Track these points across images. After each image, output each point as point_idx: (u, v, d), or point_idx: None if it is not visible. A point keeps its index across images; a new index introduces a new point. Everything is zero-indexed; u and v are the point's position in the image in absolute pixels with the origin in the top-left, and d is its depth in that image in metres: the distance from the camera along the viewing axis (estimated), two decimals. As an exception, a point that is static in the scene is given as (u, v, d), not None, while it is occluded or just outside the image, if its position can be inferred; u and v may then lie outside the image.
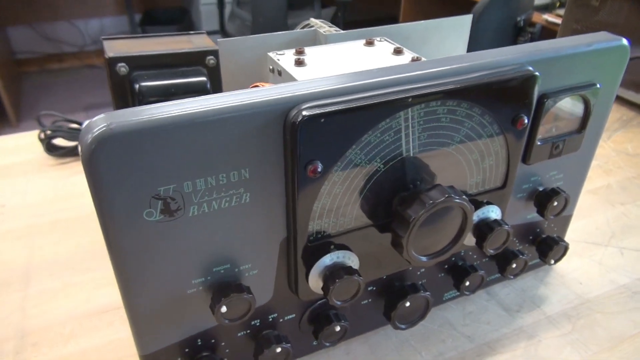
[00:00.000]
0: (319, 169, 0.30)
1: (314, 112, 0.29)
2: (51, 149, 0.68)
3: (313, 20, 0.55)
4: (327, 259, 0.35)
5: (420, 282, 0.42)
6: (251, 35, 0.46)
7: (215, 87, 0.48)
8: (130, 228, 0.28)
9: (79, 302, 0.47)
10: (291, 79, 0.38)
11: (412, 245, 0.34)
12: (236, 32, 2.32)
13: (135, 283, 0.31)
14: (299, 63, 0.39)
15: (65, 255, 0.53)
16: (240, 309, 0.33)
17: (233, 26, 2.37)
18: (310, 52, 0.42)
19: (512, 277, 0.45)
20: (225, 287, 0.33)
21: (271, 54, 0.41)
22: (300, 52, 0.41)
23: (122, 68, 0.45)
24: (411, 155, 0.34)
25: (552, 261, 0.48)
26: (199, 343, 0.36)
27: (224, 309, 0.32)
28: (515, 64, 0.35)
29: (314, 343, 0.41)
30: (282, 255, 0.35)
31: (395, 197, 0.35)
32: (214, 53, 0.48)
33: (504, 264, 0.45)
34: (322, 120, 0.29)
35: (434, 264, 0.39)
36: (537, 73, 0.35)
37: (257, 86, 0.34)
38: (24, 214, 0.59)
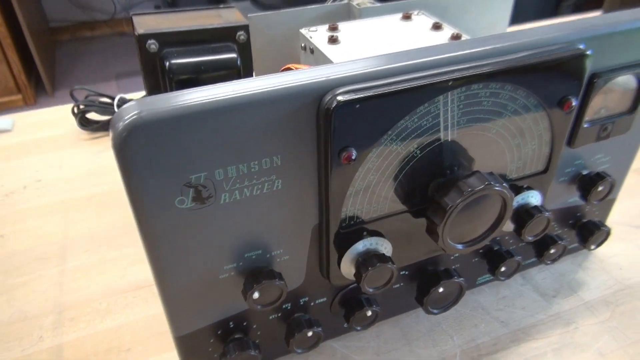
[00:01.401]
0: (353, 156, 0.29)
1: (349, 98, 0.27)
2: (84, 124, 0.69)
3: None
4: (360, 246, 0.34)
5: (453, 267, 0.41)
6: (282, 10, 0.45)
7: (246, 63, 0.47)
8: (162, 215, 0.28)
9: (114, 278, 0.48)
10: (324, 57, 0.37)
11: (447, 233, 0.33)
12: (269, 1, 2.28)
13: (167, 269, 0.31)
14: (333, 40, 0.38)
15: (100, 231, 0.54)
16: (272, 294, 0.33)
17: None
18: (344, 28, 0.40)
19: (549, 262, 0.44)
20: (257, 273, 0.32)
21: (303, 31, 0.40)
22: (333, 29, 0.40)
23: (152, 45, 0.44)
24: (449, 140, 0.32)
25: (593, 246, 0.46)
26: (231, 326, 0.36)
27: (256, 295, 0.32)
28: (565, 42, 0.33)
29: (345, 326, 0.41)
30: (314, 241, 0.34)
31: (431, 183, 0.33)
32: (245, 28, 0.46)
33: (541, 249, 0.43)
34: (358, 105, 0.28)
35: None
36: (589, 52, 0.32)
37: (289, 69, 0.33)
38: (59, 188, 0.60)
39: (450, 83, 0.29)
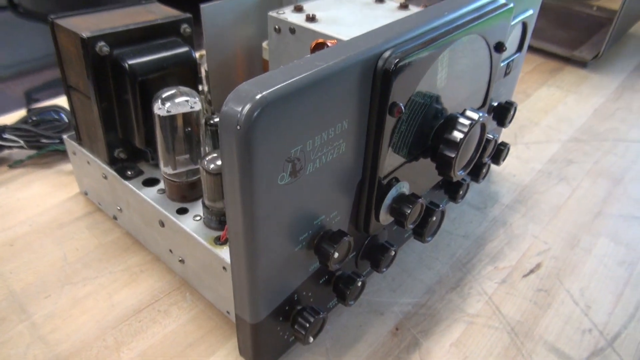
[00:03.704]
0: (403, 109, 0.34)
1: (405, 59, 0.32)
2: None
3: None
4: (394, 191, 0.39)
5: (437, 201, 0.48)
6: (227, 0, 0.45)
7: (192, 56, 0.46)
8: (266, 194, 0.29)
9: (102, 312, 0.43)
10: (312, 33, 0.40)
11: (458, 162, 0.40)
12: (34, 5, 2.01)
13: (260, 249, 0.31)
14: (311, 19, 0.41)
15: (50, 272, 0.46)
16: (344, 251, 0.36)
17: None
18: (308, 8, 0.43)
19: (482, 180, 0.55)
20: (328, 236, 0.35)
21: (273, 14, 0.42)
22: (299, 9, 0.43)
23: (104, 47, 0.40)
24: (442, 87, 0.39)
25: (502, 162, 0.59)
26: (295, 299, 0.37)
27: (336, 254, 0.35)
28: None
29: (367, 271, 0.45)
30: (355, 197, 0.38)
31: (433, 126, 0.40)
32: (188, 21, 0.45)
33: (477, 171, 0.54)
34: (408, 65, 0.32)
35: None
36: (512, 4, 0.43)
37: (322, 43, 0.36)
38: (-42, 243, 0.49)
39: (453, 36, 0.36)
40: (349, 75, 0.30)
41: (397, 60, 0.32)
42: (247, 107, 0.25)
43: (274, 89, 0.26)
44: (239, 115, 0.25)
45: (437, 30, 0.36)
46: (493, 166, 0.63)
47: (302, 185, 0.31)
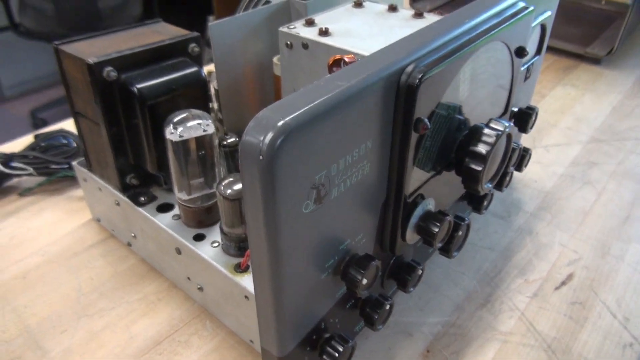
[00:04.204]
0: (429, 126, 0.32)
1: (430, 72, 0.30)
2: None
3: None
4: (420, 209, 0.37)
5: (461, 213, 0.46)
6: (235, 16, 0.44)
7: (202, 76, 0.45)
8: (291, 224, 0.27)
9: (121, 345, 0.41)
10: (326, 48, 0.38)
11: (486, 175, 0.38)
12: (35, 25, 2.01)
13: (286, 280, 0.29)
14: (324, 33, 0.39)
15: (65, 305, 0.45)
16: (372, 276, 0.34)
17: (28, 19, 2.04)
18: (320, 21, 0.42)
19: (505, 188, 0.53)
20: (355, 262, 0.33)
21: (284, 29, 0.40)
22: (311, 23, 0.41)
23: (112, 72, 0.39)
24: (465, 98, 0.37)
25: (524, 168, 0.57)
26: (322, 327, 0.36)
27: (365, 281, 0.33)
28: (512, 3, 0.40)
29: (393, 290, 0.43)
30: (380, 217, 0.36)
31: (456, 139, 0.38)
32: (196, 39, 0.44)
33: (500, 180, 0.52)
34: (433, 78, 0.31)
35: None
36: (532, 7, 0.41)
37: (340, 59, 0.34)
38: (-30, 278, 0.48)
39: (476, 44, 0.34)
40: (372, 93, 0.29)
41: (421, 74, 0.30)
42: (269, 135, 0.24)
43: (296, 114, 0.25)
44: (261, 144, 0.24)
45: (459, 39, 0.34)
46: (515, 172, 0.61)
47: (327, 211, 0.30)
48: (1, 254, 0.51)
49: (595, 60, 0.92)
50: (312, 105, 0.25)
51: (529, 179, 0.62)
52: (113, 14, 2.09)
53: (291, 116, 0.24)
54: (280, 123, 0.24)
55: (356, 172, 0.30)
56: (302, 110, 0.25)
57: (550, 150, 0.67)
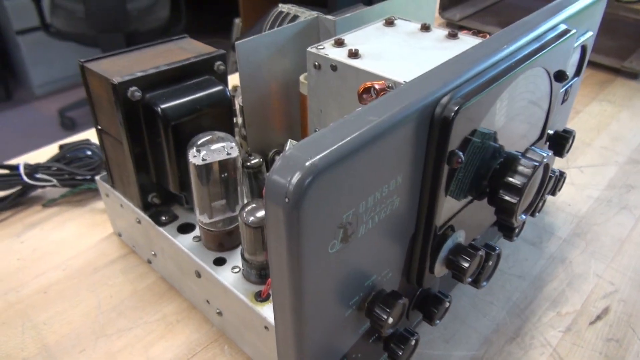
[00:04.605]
0: (462, 159, 0.30)
1: (467, 104, 0.28)
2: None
3: (283, 6, 0.53)
4: (450, 242, 0.35)
5: (490, 241, 0.44)
6: (262, 34, 0.43)
7: (227, 94, 0.44)
8: (316, 265, 0.26)
9: (138, 368, 0.41)
10: (356, 71, 0.37)
11: (521, 207, 0.36)
12: (66, 26, 2.05)
13: (309, 319, 0.28)
14: (354, 55, 0.38)
15: (84, 323, 0.45)
16: (398, 314, 0.32)
17: (59, 20, 2.08)
18: (349, 41, 0.40)
19: (537, 214, 0.51)
20: (381, 300, 0.32)
21: (313, 50, 0.39)
22: (340, 43, 0.40)
23: (136, 92, 0.38)
24: (501, 125, 0.35)
25: (558, 192, 0.54)
26: (345, 363, 0.34)
27: (390, 320, 0.31)
28: (552, 26, 0.38)
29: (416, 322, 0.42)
30: (408, 251, 0.34)
31: (490, 167, 0.36)
32: (222, 57, 0.43)
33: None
34: (470, 108, 0.29)
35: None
36: (574, 30, 0.39)
37: (370, 86, 0.33)
38: (-8, 291, 0.48)
39: (515, 72, 0.32)
40: (405, 126, 0.27)
41: (457, 106, 0.28)
42: (296, 176, 0.22)
43: (324, 153, 0.23)
44: (287, 185, 0.23)
45: (498, 66, 0.32)
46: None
47: (354, 249, 0.28)
48: (24, 266, 0.51)
49: (633, 75, 0.88)
50: (341, 143, 0.24)
51: (562, 201, 0.59)
52: (141, 15, 2.11)
53: (319, 156, 0.23)
54: (307, 163, 0.23)
55: (385, 207, 0.29)
56: (331, 149, 0.24)
57: (585, 172, 0.64)
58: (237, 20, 2.11)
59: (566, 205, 0.59)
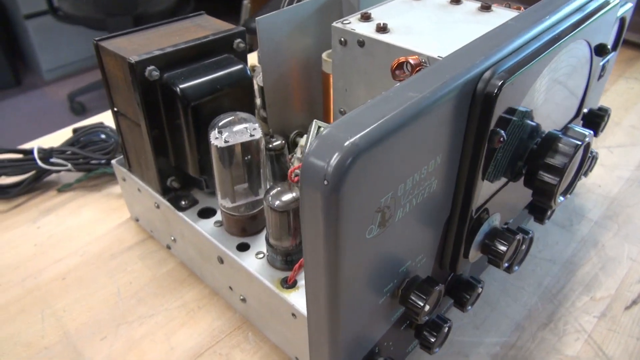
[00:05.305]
0: (504, 138, 0.28)
1: (511, 79, 0.27)
2: (-5, 192, 0.54)
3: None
4: (486, 226, 0.34)
5: (521, 225, 0.43)
6: (282, 9, 0.41)
7: (247, 73, 0.42)
8: (352, 252, 0.24)
9: (161, 356, 0.40)
10: (385, 46, 0.35)
11: (560, 189, 0.34)
12: (74, 10, 2.02)
13: (342, 308, 0.27)
14: (382, 29, 0.36)
15: (103, 309, 0.44)
16: (434, 300, 0.31)
17: (67, 3, 2.05)
18: (376, 16, 0.38)
19: (569, 195, 0.49)
20: (416, 287, 0.30)
21: (338, 25, 0.37)
22: (367, 18, 0.38)
23: (154, 72, 0.37)
24: (540, 102, 0.33)
25: (589, 172, 0.52)
26: (376, 351, 0.33)
27: (427, 307, 0.30)
28: (594, -5, 0.36)
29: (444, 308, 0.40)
30: (442, 235, 0.33)
31: (527, 147, 0.34)
32: (242, 35, 0.41)
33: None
34: (514, 84, 0.27)
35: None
36: (617, 0, 0.36)
37: (404, 61, 0.31)
38: (11, 282, 0.47)
39: (560, 44, 0.30)
40: (447, 104, 0.25)
41: (500, 82, 0.26)
42: (335, 157, 0.21)
43: (364, 132, 0.22)
44: (326, 167, 0.21)
45: (540, 38, 0.30)
46: (575, 175, 0.57)
47: (390, 234, 0.27)
48: (41, 252, 0.50)
49: (661, 51, 0.85)
50: (382, 121, 0.22)
51: (592, 183, 0.57)
52: (149, -2, 2.08)
53: (359, 134, 0.21)
54: (347, 143, 0.21)
55: (422, 190, 0.27)
56: (372, 127, 0.22)
57: (614, 152, 0.62)
58: (246, 2, 2.07)
59: (596, 186, 0.57)
